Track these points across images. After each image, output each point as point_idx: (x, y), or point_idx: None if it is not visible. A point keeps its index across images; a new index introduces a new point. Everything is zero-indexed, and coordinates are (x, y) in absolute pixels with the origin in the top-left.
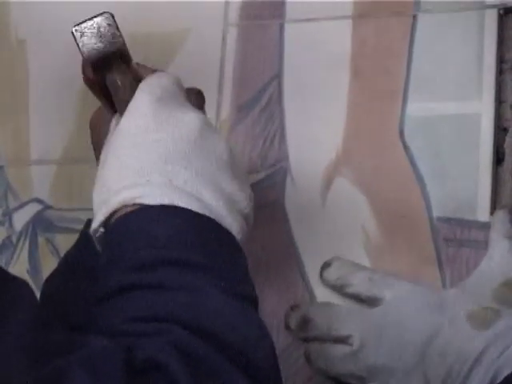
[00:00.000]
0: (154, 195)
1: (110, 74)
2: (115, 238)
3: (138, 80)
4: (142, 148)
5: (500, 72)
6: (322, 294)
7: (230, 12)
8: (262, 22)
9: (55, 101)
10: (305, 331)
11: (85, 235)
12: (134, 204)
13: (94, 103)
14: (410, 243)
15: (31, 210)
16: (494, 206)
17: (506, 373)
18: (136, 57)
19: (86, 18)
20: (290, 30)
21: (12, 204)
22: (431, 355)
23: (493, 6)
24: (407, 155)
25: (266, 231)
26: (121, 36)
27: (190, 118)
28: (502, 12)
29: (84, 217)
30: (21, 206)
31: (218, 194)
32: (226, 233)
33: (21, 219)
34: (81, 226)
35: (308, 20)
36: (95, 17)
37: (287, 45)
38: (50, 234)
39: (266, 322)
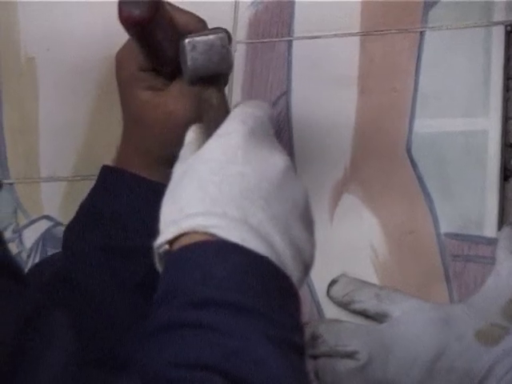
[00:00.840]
0: (228, 229)
1: (208, 90)
2: (178, 265)
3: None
4: (225, 178)
5: (507, 89)
6: (331, 310)
7: (239, 29)
8: (270, 39)
9: (65, 118)
10: (314, 348)
11: (102, 183)
12: (205, 233)
13: (104, 121)
14: (418, 259)
15: (41, 227)
16: (502, 222)
17: None
18: None
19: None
20: (297, 47)
21: (22, 221)
22: (439, 371)
23: (500, 23)
24: (415, 172)
25: None
26: (230, 59)
27: (277, 159)
28: (509, 29)
29: None
30: (31, 223)
31: (287, 241)
32: (287, 280)
33: (31, 236)
34: None
35: (316, 37)
36: (211, 33)
37: (295, 62)
38: (56, 246)
39: None
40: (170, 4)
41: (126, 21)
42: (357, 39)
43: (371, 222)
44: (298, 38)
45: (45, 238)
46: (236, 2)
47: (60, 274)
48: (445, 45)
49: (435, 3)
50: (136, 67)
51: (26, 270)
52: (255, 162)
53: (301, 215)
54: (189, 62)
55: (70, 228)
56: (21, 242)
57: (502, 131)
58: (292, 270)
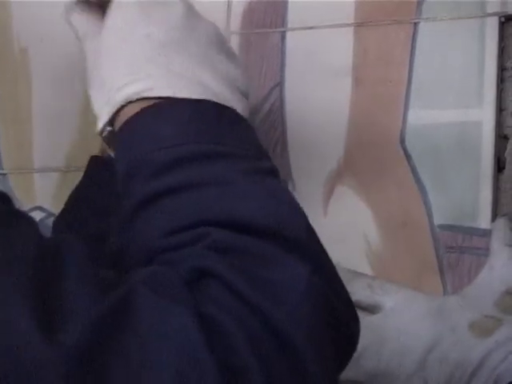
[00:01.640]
0: (158, 87)
1: None
2: (128, 142)
3: None
4: (135, 43)
5: (501, 80)
6: None
7: (232, 20)
8: (264, 30)
9: (58, 109)
10: None
11: (89, 173)
12: (138, 100)
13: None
14: (412, 250)
15: (34, 217)
16: (495, 213)
17: (506, 380)
18: None
19: None
20: (291, 38)
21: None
22: (432, 362)
23: (494, 14)
24: (409, 163)
25: None
26: None
27: (174, 6)
28: (502, 20)
29: None
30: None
31: (216, 75)
32: (233, 113)
33: None
34: None
35: (309, 28)
36: None
37: (289, 53)
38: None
39: None
40: None
41: None
42: (351, 30)
43: (365, 213)
44: (292, 29)
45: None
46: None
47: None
48: (439, 36)
49: None
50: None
51: None
52: (155, 18)
53: (219, 48)
54: None
55: (59, 219)
56: None
57: (496, 122)
58: (234, 102)
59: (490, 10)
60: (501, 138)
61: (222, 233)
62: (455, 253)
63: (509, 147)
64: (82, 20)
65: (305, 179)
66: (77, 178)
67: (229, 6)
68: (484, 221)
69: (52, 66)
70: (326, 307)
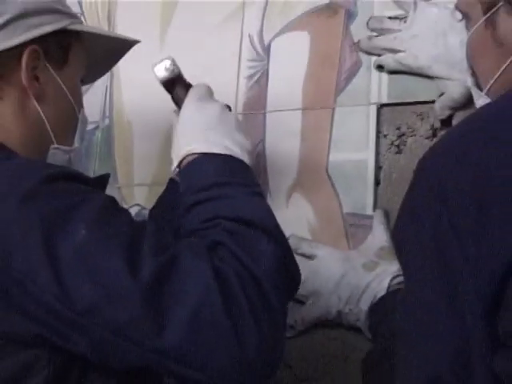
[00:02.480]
0: (201, 148)
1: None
2: (186, 175)
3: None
4: (192, 124)
5: (378, 137)
6: None
7: (238, 104)
8: (252, 111)
9: (146, 153)
10: None
11: (169, 187)
12: (191, 154)
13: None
14: (332, 227)
15: (135, 209)
16: (375, 207)
17: (380, 296)
18: None
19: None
20: (269, 116)
21: (125, 207)
22: (342, 285)
23: (374, 103)
24: (330, 181)
25: None
26: (178, 70)
27: (215, 105)
28: (379, 106)
29: None
30: (130, 208)
31: (233, 142)
32: (242, 162)
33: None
34: None
35: (278, 111)
36: (166, 59)
37: (268, 123)
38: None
39: None
40: None
41: (161, 80)
42: (299, 112)
43: (308, 208)
44: (269, 112)
45: (137, 215)
46: (236, 92)
47: None
48: (343, 115)
49: (341, 90)
50: None
51: None
52: (204, 112)
53: (236, 128)
54: (159, 79)
55: (152, 210)
56: None
57: (376, 159)
58: (241, 156)
59: (372, 101)
60: (377, 168)
61: (229, 223)
62: (354, 228)
63: (382, 173)
64: (175, 113)
65: (276, 190)
66: (160, 189)
67: (236, 99)
68: (369, 211)
69: (145, 130)
70: (284, 266)
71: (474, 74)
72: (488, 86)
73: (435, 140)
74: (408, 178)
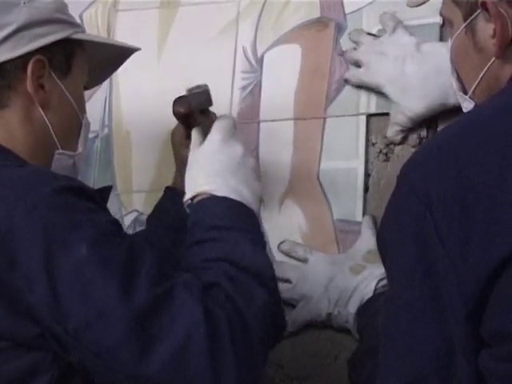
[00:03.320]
0: (217, 190)
1: (203, 115)
2: (197, 210)
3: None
4: (214, 162)
5: (367, 146)
6: (280, 257)
7: (232, 114)
8: (249, 121)
9: (145, 164)
10: None
11: (166, 194)
12: (205, 193)
13: (166, 164)
14: (323, 233)
15: (133, 215)
16: (364, 213)
17: (367, 298)
18: None
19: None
20: (262, 125)
21: (123, 213)
22: (331, 288)
23: (363, 113)
24: (321, 189)
25: None
26: (210, 101)
27: (238, 148)
28: (368, 116)
29: None
30: (128, 213)
31: (249, 190)
32: (251, 211)
33: (128, 219)
34: None
35: (272, 120)
36: (200, 88)
37: (261, 130)
38: (141, 226)
39: None
40: None
41: (177, 114)
42: (291, 122)
43: (300, 214)
44: (262, 121)
45: (135, 221)
46: (231, 102)
47: (144, 239)
48: (334, 125)
49: (332, 101)
50: (181, 138)
51: None
52: (227, 152)
53: (255, 176)
54: (191, 104)
55: (150, 217)
56: (123, 222)
57: (365, 167)
58: (253, 204)
59: (361, 111)
60: (367, 175)
61: (229, 267)
62: (344, 233)
63: (371, 180)
64: (196, 137)
65: (269, 197)
66: (156, 196)
67: (231, 108)
68: (358, 217)
69: (144, 139)
70: (273, 317)
71: (458, 79)
72: (471, 90)
73: None
74: (395, 184)
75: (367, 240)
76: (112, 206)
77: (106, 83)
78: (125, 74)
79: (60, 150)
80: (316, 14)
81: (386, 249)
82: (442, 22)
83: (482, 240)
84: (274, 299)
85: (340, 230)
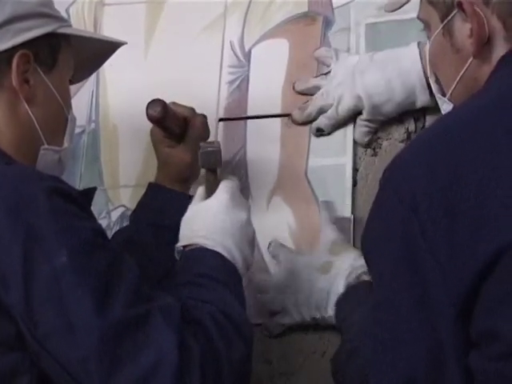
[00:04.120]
0: (213, 245)
1: (209, 173)
2: (188, 258)
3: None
4: (216, 220)
5: (355, 142)
6: (268, 258)
7: (220, 108)
8: (236, 116)
9: (131, 158)
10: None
11: (149, 191)
12: (199, 244)
13: (151, 162)
14: (311, 230)
15: (120, 210)
16: (354, 209)
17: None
18: None
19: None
20: (249, 122)
21: (110, 208)
22: (307, 294)
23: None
24: (309, 185)
25: None
26: (220, 161)
27: (242, 214)
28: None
29: None
30: (115, 208)
31: (241, 257)
32: (237, 271)
33: (115, 215)
34: None
35: (260, 117)
36: (213, 147)
37: (248, 129)
38: (128, 221)
39: None
40: (172, 103)
41: (150, 118)
42: (279, 119)
43: (288, 211)
44: (249, 118)
45: (122, 216)
46: (218, 97)
47: (127, 235)
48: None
49: None
50: (160, 136)
51: (112, 232)
52: (232, 214)
53: (250, 243)
54: (200, 161)
55: (133, 214)
56: (110, 218)
57: (353, 164)
58: (241, 268)
59: None
60: (355, 170)
61: (214, 310)
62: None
63: (359, 175)
64: (201, 193)
65: (257, 194)
66: (142, 190)
67: (218, 105)
68: (347, 213)
69: (130, 135)
70: (244, 369)
71: (437, 81)
72: (450, 92)
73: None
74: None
75: (328, 230)
76: (99, 201)
77: (92, 77)
78: (112, 68)
79: (46, 146)
80: (304, 8)
81: (371, 253)
82: None
83: (470, 239)
84: (249, 357)
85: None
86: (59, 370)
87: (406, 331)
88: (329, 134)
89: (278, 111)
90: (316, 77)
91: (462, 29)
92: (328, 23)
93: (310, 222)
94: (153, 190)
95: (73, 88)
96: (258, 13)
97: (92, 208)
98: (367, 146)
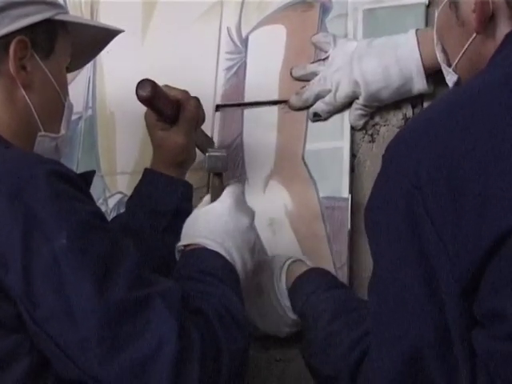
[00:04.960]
0: (214, 246)
1: (215, 177)
2: (189, 257)
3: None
4: (220, 223)
5: (352, 129)
6: (265, 235)
7: (217, 94)
8: (233, 102)
9: (128, 143)
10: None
11: (145, 176)
12: (201, 245)
13: (147, 146)
14: (309, 210)
15: (117, 197)
16: (351, 190)
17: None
18: None
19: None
20: (247, 110)
21: (107, 195)
22: (274, 301)
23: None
24: (306, 168)
25: None
26: (226, 166)
27: (245, 219)
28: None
29: None
30: (112, 195)
31: (239, 256)
32: (236, 271)
33: (112, 202)
34: None
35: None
36: (219, 152)
37: (245, 117)
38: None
39: None
40: (164, 85)
41: (140, 98)
42: (275, 108)
43: (285, 193)
44: (246, 104)
45: (119, 203)
46: (215, 83)
47: (123, 222)
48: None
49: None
50: (153, 119)
51: (109, 218)
52: (235, 218)
53: (250, 249)
54: (207, 166)
55: (129, 200)
56: (107, 205)
57: (351, 147)
58: (240, 271)
59: None
60: (353, 156)
61: (219, 305)
62: (330, 209)
63: (356, 161)
64: (207, 198)
65: (254, 179)
66: (139, 177)
67: (215, 92)
68: (345, 193)
69: (127, 122)
70: (243, 363)
71: (443, 50)
72: (455, 63)
73: None
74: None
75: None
76: (96, 188)
77: (89, 64)
78: (109, 55)
79: (42, 132)
80: None
81: (374, 231)
82: (427, 1)
83: (476, 217)
84: (246, 352)
85: (326, 206)
86: (58, 352)
87: (411, 308)
88: (325, 119)
89: (275, 97)
90: (313, 63)
91: (468, 2)
92: (325, 9)
93: (307, 204)
94: (148, 176)
95: (69, 75)
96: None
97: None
98: (362, 129)
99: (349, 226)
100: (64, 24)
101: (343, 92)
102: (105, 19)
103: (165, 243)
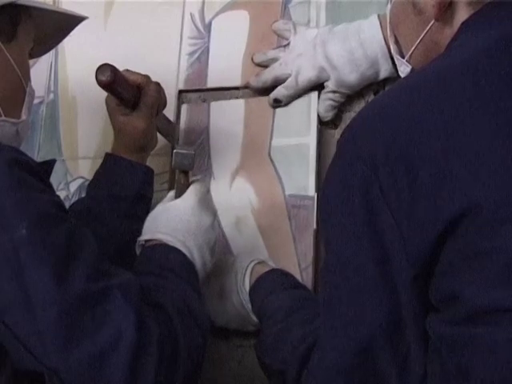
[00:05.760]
0: (175, 243)
1: (181, 174)
2: (149, 252)
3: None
4: (181, 220)
5: (321, 124)
6: (230, 239)
7: (179, 80)
8: (197, 88)
9: (90, 129)
10: None
11: (106, 161)
12: (161, 241)
13: (108, 130)
14: (274, 208)
15: (79, 181)
16: (318, 189)
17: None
18: None
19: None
20: (213, 102)
21: (69, 179)
22: (241, 309)
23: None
24: (273, 165)
25: None
26: (193, 163)
27: (207, 218)
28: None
29: None
30: (74, 180)
31: (199, 255)
32: (195, 269)
33: (74, 186)
34: None
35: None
36: (187, 150)
37: (212, 108)
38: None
39: None
40: (125, 70)
41: (99, 83)
42: (242, 101)
43: (251, 190)
44: (209, 90)
45: (80, 188)
46: (178, 69)
47: (84, 207)
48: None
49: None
50: (114, 104)
51: (70, 202)
52: (198, 216)
53: (210, 249)
54: (173, 163)
55: (90, 184)
56: (68, 189)
57: (317, 144)
58: (199, 269)
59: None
60: (319, 153)
61: (178, 300)
62: (296, 208)
63: (322, 155)
64: (171, 194)
65: (220, 174)
66: (99, 162)
67: (177, 79)
68: (311, 192)
69: (88, 106)
70: (201, 360)
71: (396, 42)
72: (409, 53)
73: None
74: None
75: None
76: (58, 172)
77: None
78: (71, 39)
79: (3, 117)
80: None
81: (329, 216)
82: None
83: (430, 199)
84: (203, 348)
85: (292, 205)
86: (16, 343)
87: (364, 295)
88: (286, 104)
89: (237, 83)
90: (274, 49)
91: None
92: None
93: (273, 201)
94: (109, 160)
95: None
96: None
97: (51, 179)
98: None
99: (315, 226)
100: (27, 9)
101: (306, 76)
102: (67, 3)
103: (125, 228)
